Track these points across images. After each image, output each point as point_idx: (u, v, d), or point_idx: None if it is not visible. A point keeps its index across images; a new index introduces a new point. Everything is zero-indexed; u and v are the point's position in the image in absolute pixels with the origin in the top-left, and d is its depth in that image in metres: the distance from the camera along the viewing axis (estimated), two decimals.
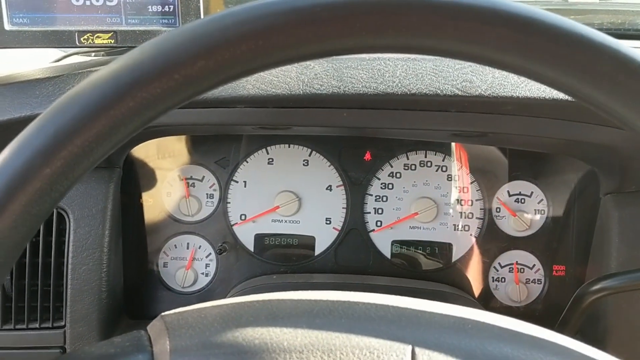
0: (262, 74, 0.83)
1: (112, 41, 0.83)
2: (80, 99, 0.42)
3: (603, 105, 0.43)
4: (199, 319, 0.54)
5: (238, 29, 0.42)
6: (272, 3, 0.42)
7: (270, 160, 1.19)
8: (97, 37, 0.83)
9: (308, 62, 0.83)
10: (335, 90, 0.82)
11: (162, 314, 0.55)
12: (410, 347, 0.50)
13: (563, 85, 0.43)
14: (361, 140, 1.18)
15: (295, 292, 0.58)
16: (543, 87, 0.78)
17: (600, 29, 1.30)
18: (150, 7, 0.84)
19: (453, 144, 1.16)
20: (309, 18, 0.42)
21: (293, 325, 0.52)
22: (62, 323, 0.98)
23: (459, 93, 0.80)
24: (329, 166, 1.19)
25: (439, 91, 0.81)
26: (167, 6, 0.84)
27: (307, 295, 0.57)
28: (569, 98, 0.62)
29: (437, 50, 0.44)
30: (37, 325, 0.97)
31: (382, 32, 0.42)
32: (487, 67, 0.79)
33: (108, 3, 0.83)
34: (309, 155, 1.19)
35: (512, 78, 0.80)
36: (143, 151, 1.16)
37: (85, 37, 0.83)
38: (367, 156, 1.19)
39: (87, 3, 0.83)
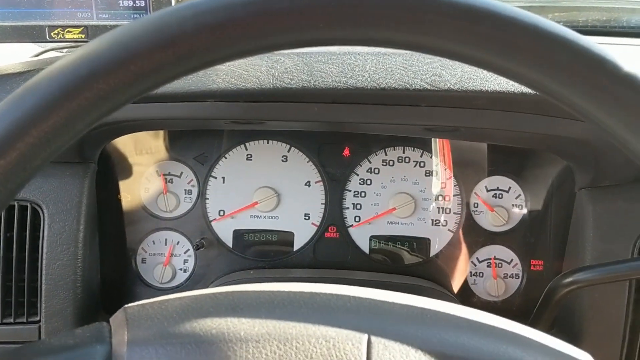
0: (232, 68, 0.83)
1: (83, 36, 0.84)
2: (36, 89, 0.42)
3: (558, 94, 0.44)
4: (159, 310, 0.54)
5: (195, 21, 0.42)
6: None
7: (249, 156, 1.19)
8: (68, 31, 0.83)
9: (278, 57, 0.84)
10: (306, 85, 0.82)
11: (125, 306, 0.56)
12: (366, 335, 0.51)
13: (516, 75, 0.44)
14: (340, 136, 1.19)
15: (259, 284, 0.58)
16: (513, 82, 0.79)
17: (585, 26, 1.30)
18: (121, 1, 0.84)
19: (433, 140, 1.17)
20: (266, 10, 0.42)
21: (252, 316, 0.53)
22: (37, 318, 0.98)
23: (429, 87, 0.81)
24: (308, 162, 1.19)
25: (408, 85, 0.81)
26: (138, 1, 0.85)
27: (270, 287, 0.57)
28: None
29: (393, 42, 0.45)
30: (11, 320, 0.97)
31: (340, 24, 0.43)
32: (457, 62, 0.79)
33: None
34: (288, 151, 1.19)
35: (482, 73, 0.81)
36: (120, 147, 1.16)
37: (56, 31, 0.83)
38: (346, 152, 1.19)
39: None
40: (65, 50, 1.20)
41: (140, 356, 0.50)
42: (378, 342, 0.50)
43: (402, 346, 0.50)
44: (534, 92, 0.44)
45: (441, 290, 1.13)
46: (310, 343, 0.50)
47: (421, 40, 0.43)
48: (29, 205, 0.97)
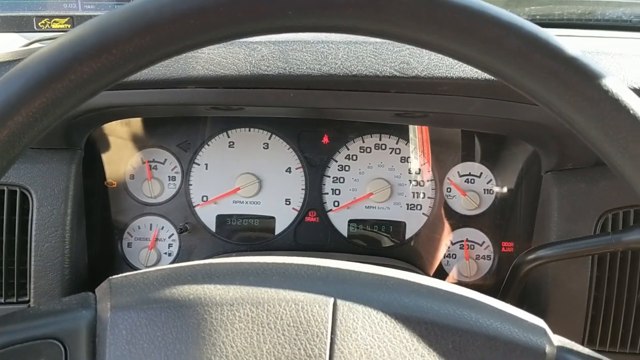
0: (211, 56, 0.87)
1: (69, 26, 0.87)
2: (25, 72, 0.46)
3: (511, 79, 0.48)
4: (141, 280, 0.58)
5: (173, 8, 0.46)
6: None
7: (231, 143, 1.23)
8: (54, 22, 0.86)
9: (255, 45, 0.88)
10: (282, 72, 0.87)
11: (110, 277, 0.59)
12: (332, 299, 0.55)
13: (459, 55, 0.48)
14: (319, 123, 1.23)
15: (235, 257, 0.62)
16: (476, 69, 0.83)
17: (562, 20, 1.34)
18: None
19: (409, 127, 1.21)
20: None
21: (227, 282, 0.57)
22: (27, 298, 1.02)
23: (397, 74, 0.85)
24: (288, 149, 1.23)
25: (378, 72, 0.86)
26: None
27: (245, 259, 0.61)
28: None
29: (359, 29, 0.49)
30: (1, 300, 1.01)
31: (308, 11, 0.47)
32: (424, 50, 0.84)
33: None
34: (269, 138, 1.23)
35: (447, 60, 0.85)
36: (105, 134, 1.20)
37: (43, 22, 0.86)
38: (325, 139, 1.23)
39: None
40: (49, 40, 1.24)
41: (123, 320, 0.54)
42: (343, 305, 0.55)
43: (366, 308, 0.55)
44: (495, 78, 0.48)
45: (416, 270, 1.18)
46: (280, 306, 0.54)
47: (382, 28, 0.48)
48: (17, 189, 1.01)
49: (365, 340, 0.53)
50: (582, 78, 0.46)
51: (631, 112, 0.46)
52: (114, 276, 0.59)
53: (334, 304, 0.55)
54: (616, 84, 0.46)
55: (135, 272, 0.60)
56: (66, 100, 0.47)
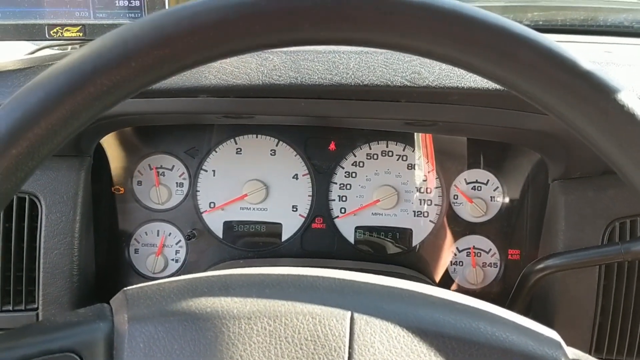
0: (223, 65, 0.88)
1: (81, 34, 0.87)
2: (45, 84, 0.46)
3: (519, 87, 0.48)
4: (157, 292, 0.58)
5: (191, 21, 0.46)
6: None
7: (239, 150, 1.23)
8: (67, 30, 0.86)
9: (267, 55, 0.88)
10: (293, 81, 0.87)
11: (125, 288, 0.59)
12: (349, 312, 0.55)
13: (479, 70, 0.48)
14: (326, 130, 1.23)
15: (249, 268, 0.62)
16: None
17: (564, 26, 1.34)
18: (117, 1, 0.88)
19: (415, 134, 1.22)
20: (257, 12, 0.46)
21: (244, 295, 0.57)
22: (35, 305, 1.02)
23: (408, 84, 0.86)
24: (295, 156, 1.23)
25: (389, 82, 0.86)
26: (133, 1, 0.88)
27: (260, 270, 0.61)
28: None
29: (372, 42, 0.49)
30: (10, 308, 1.01)
31: (323, 25, 0.47)
32: (435, 61, 0.84)
33: None
34: (276, 145, 1.23)
35: (458, 70, 0.86)
36: (114, 141, 1.20)
37: (55, 30, 0.86)
38: (332, 146, 1.24)
39: None
40: (56, 47, 1.24)
41: (141, 332, 0.54)
42: (360, 319, 0.55)
43: (382, 322, 0.55)
44: (504, 88, 0.48)
45: (422, 278, 1.18)
46: (297, 319, 0.54)
47: (398, 41, 0.48)
48: (27, 196, 1.01)
49: (383, 354, 0.53)
50: (597, 91, 0.47)
51: None
52: (128, 287, 0.59)
53: (351, 318, 0.55)
54: (631, 97, 0.47)
55: (150, 283, 0.59)
56: (85, 112, 0.47)
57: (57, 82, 0.46)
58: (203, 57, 0.48)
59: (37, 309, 1.02)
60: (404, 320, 0.55)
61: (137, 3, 0.88)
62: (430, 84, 0.86)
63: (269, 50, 0.88)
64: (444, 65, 0.86)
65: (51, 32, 0.86)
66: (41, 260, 1.01)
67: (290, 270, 0.61)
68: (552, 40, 0.46)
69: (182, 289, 0.58)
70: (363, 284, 0.60)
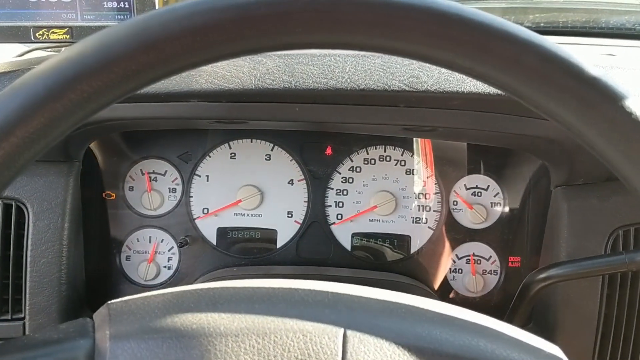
0: (215, 69, 0.85)
1: (68, 37, 0.85)
2: (22, 91, 0.44)
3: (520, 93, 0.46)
4: (141, 306, 0.56)
5: (179, 24, 0.44)
6: (211, 0, 0.44)
7: (233, 154, 1.21)
8: (53, 32, 0.84)
9: (260, 58, 0.85)
10: (287, 85, 0.84)
11: (109, 302, 0.57)
12: (342, 329, 0.52)
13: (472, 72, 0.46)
14: (322, 135, 1.20)
15: (239, 281, 0.59)
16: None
17: (566, 27, 1.32)
18: (105, 3, 0.85)
19: (413, 139, 1.19)
20: (245, 16, 0.44)
21: (232, 311, 0.54)
22: (22, 315, 0.99)
23: (406, 88, 0.83)
24: (291, 160, 1.21)
25: (387, 87, 0.83)
26: (122, 2, 0.86)
27: (250, 283, 0.59)
28: None
29: (367, 46, 0.46)
30: None
31: (317, 28, 0.45)
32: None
33: None
34: (271, 149, 1.21)
35: (457, 75, 0.83)
36: (104, 145, 1.17)
37: (41, 32, 0.84)
38: (328, 151, 1.21)
39: None
40: (49, 49, 1.21)
41: (123, 350, 0.51)
42: (353, 336, 0.52)
43: (377, 340, 0.52)
44: (505, 93, 0.46)
45: (421, 286, 1.16)
46: (288, 337, 0.52)
47: (394, 45, 0.45)
48: (13, 203, 0.98)
49: None
50: (604, 99, 0.45)
51: None
52: (112, 301, 0.57)
53: (344, 335, 0.52)
54: (639, 104, 0.44)
55: (135, 296, 0.57)
56: (65, 120, 0.45)
57: (35, 88, 0.44)
58: (190, 63, 0.45)
59: (23, 318, 0.99)
60: (400, 338, 0.53)
61: (126, 5, 0.86)
62: (429, 88, 0.83)
63: (262, 53, 0.86)
64: (443, 69, 0.83)
65: (37, 35, 0.84)
66: (28, 269, 0.98)
67: (282, 283, 0.59)
68: (556, 43, 0.44)
69: (168, 303, 0.56)
70: (357, 298, 0.58)
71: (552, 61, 0.44)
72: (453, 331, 0.54)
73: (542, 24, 1.56)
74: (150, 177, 1.20)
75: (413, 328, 0.54)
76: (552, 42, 0.44)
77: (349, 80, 0.84)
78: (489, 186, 1.20)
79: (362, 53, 0.86)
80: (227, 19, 0.44)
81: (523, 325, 1.04)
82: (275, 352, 0.51)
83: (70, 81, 0.43)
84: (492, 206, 1.20)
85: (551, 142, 0.95)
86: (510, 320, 0.99)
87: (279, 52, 0.87)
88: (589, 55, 1.09)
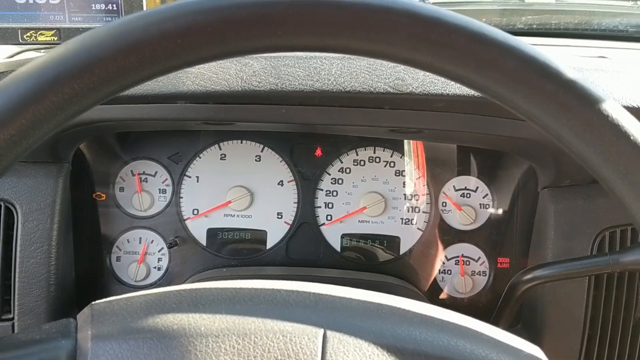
0: (202, 71, 0.85)
1: (56, 38, 0.85)
2: (3, 93, 0.44)
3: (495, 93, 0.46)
4: (124, 307, 0.56)
5: (159, 27, 0.44)
6: (192, 3, 0.45)
7: (223, 155, 1.21)
8: (40, 34, 0.84)
9: (247, 60, 0.86)
10: (273, 87, 0.85)
11: (92, 302, 0.57)
12: (322, 330, 0.53)
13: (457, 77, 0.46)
14: (312, 136, 1.21)
15: (222, 282, 0.60)
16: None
17: (558, 29, 1.33)
18: (93, 5, 0.86)
19: (403, 140, 1.20)
20: (227, 19, 0.44)
21: (213, 311, 0.55)
22: (11, 315, 0.99)
23: (392, 90, 0.83)
24: (281, 162, 1.21)
25: (372, 89, 0.84)
26: (110, 4, 0.86)
27: (233, 284, 0.59)
28: None
29: (349, 49, 0.47)
30: None
31: (298, 31, 0.45)
32: None
33: (51, 1, 0.85)
34: (261, 151, 1.21)
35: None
36: (94, 146, 1.17)
37: (29, 34, 0.84)
38: (318, 152, 1.21)
39: (30, 1, 0.84)
40: (43, 51, 1.22)
41: (104, 351, 0.51)
42: (333, 337, 0.53)
43: (357, 340, 0.53)
44: (484, 96, 0.46)
45: (409, 287, 1.16)
46: (268, 338, 0.52)
47: (376, 48, 0.46)
48: (2, 204, 0.99)
49: None
50: (582, 102, 0.45)
51: (631, 138, 0.45)
52: (97, 301, 0.57)
53: (324, 336, 0.53)
54: (616, 108, 0.45)
55: (119, 297, 0.57)
56: (47, 122, 0.45)
57: (17, 90, 0.44)
58: (171, 65, 0.46)
59: (12, 318, 0.99)
60: (380, 338, 0.53)
61: (114, 7, 0.86)
62: (414, 90, 0.84)
63: (249, 55, 0.86)
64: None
65: (24, 36, 0.84)
66: (17, 269, 0.98)
67: (264, 284, 0.59)
68: (535, 47, 0.45)
69: (150, 304, 0.56)
70: (338, 298, 0.58)
71: (530, 64, 0.45)
72: (433, 332, 0.55)
73: (534, 26, 1.56)
74: (140, 178, 1.21)
75: (393, 329, 0.54)
76: (530, 45, 0.45)
77: (334, 82, 0.85)
78: (477, 188, 1.21)
79: (347, 55, 0.86)
80: (208, 22, 0.44)
81: (511, 327, 1.05)
82: (255, 352, 0.52)
83: (51, 83, 0.43)
84: (480, 207, 1.21)
85: (537, 144, 0.95)
86: (497, 321, 0.99)
87: (265, 54, 0.87)
88: (579, 56, 1.10)
